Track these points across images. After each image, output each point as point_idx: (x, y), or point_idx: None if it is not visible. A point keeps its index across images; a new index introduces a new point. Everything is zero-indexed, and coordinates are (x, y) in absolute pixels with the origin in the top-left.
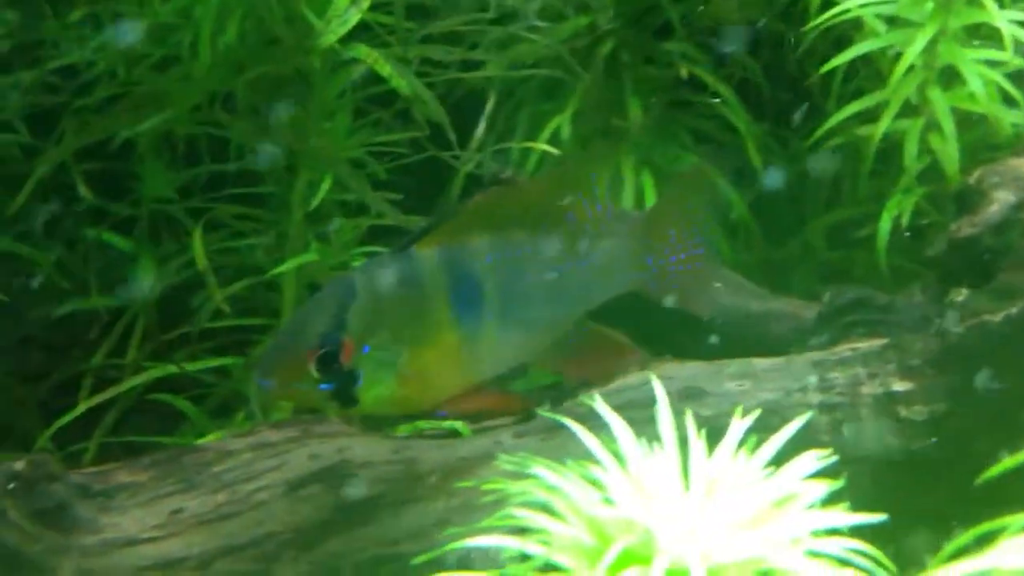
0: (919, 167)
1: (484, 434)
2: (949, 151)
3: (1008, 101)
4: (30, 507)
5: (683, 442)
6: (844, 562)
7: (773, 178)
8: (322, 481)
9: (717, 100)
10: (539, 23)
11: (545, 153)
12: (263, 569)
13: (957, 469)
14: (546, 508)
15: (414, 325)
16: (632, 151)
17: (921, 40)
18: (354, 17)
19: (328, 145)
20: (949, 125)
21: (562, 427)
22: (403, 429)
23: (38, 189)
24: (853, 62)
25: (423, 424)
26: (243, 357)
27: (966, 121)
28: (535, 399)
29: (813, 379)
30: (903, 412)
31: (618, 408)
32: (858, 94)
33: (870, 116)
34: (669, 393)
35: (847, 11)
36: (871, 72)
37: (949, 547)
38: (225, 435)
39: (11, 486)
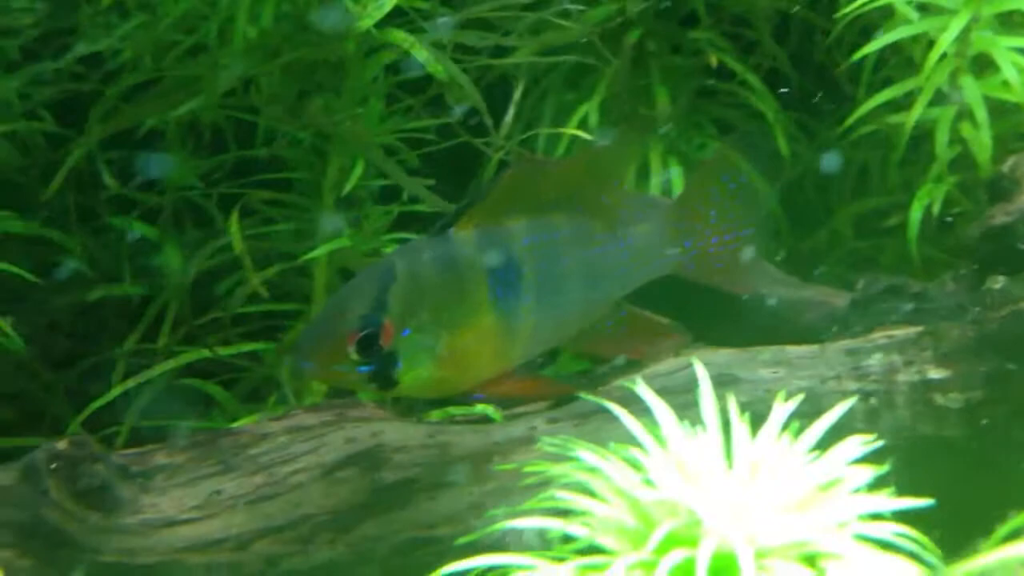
0: (950, 156)
1: (517, 420)
2: (982, 139)
3: None
4: (72, 487)
5: (722, 427)
6: (891, 547)
7: (801, 166)
8: (358, 465)
9: (744, 88)
10: (571, 6)
11: (573, 141)
12: (300, 551)
13: (994, 456)
14: (587, 490)
15: (453, 307)
16: (660, 140)
17: (955, 27)
18: (389, 2)
19: (361, 130)
20: (982, 113)
21: (595, 413)
22: (435, 415)
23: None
24: (882, 51)
25: (454, 410)
26: (274, 342)
27: (998, 109)
28: (574, 383)
29: (848, 366)
30: (939, 399)
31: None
32: (887, 83)
33: (898, 105)
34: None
35: None
36: (900, 61)
37: (999, 532)
38: (260, 418)
39: (53, 466)
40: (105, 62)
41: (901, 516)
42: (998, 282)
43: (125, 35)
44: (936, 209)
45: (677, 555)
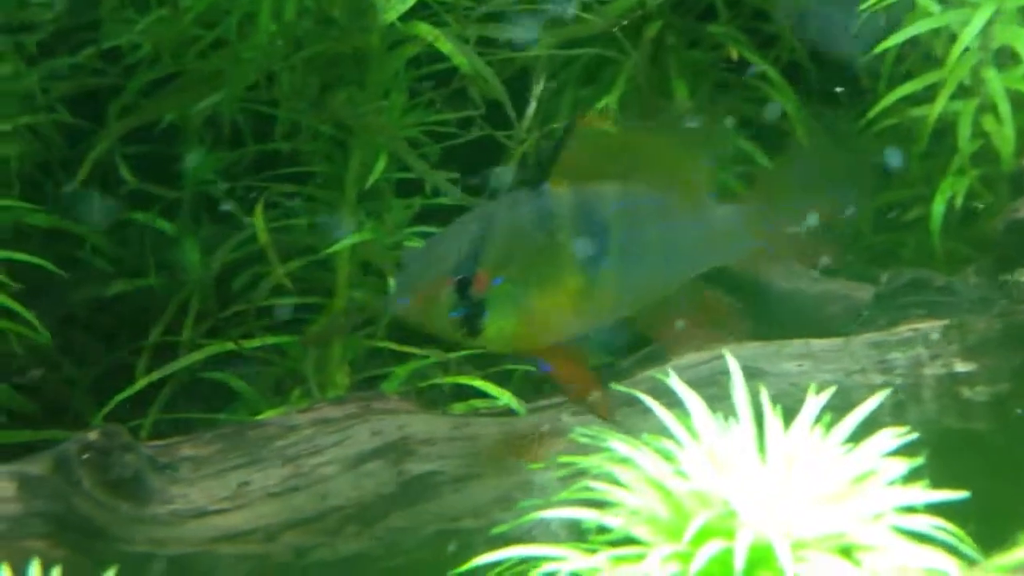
0: (972, 149)
1: (541, 412)
2: (1004, 133)
3: None
4: (104, 477)
5: (754, 419)
6: (927, 539)
7: None
8: (384, 457)
9: (764, 82)
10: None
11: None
12: (328, 542)
13: (1022, 450)
14: (617, 481)
15: (543, 263)
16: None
17: (978, 21)
18: None
19: (384, 123)
20: (1005, 107)
21: (622, 405)
22: (459, 407)
23: (76, 171)
24: (902, 45)
25: (478, 403)
26: (297, 336)
27: (1021, 102)
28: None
29: (873, 360)
30: (966, 393)
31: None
32: (907, 77)
33: (918, 99)
34: (729, 373)
35: None
36: (919, 54)
37: None
38: (287, 411)
39: (85, 456)
40: (124, 57)
41: (933, 509)
42: (1023, 275)
43: (145, 29)
44: (959, 202)
45: (714, 546)
